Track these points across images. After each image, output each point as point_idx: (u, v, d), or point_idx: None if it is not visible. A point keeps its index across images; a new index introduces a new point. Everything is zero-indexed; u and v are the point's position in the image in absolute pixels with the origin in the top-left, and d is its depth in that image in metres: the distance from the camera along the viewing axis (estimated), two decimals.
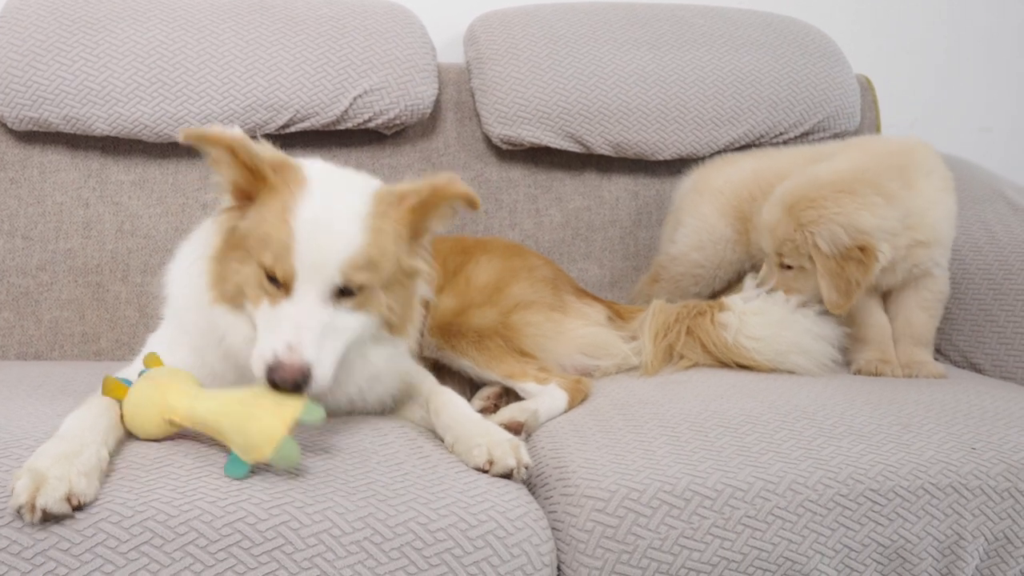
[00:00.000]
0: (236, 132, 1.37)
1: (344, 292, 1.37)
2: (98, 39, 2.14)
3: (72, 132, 2.16)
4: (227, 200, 1.43)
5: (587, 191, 2.46)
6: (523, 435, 1.63)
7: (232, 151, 1.36)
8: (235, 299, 1.42)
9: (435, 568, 1.24)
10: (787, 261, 1.96)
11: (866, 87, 2.66)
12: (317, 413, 1.31)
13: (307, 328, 1.32)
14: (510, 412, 1.67)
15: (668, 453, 1.46)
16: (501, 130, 2.34)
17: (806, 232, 1.89)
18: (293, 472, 1.30)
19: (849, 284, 1.85)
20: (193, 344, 1.50)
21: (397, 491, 1.30)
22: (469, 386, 1.93)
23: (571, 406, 1.75)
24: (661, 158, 2.42)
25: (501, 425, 1.60)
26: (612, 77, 2.37)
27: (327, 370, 1.34)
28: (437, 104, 2.38)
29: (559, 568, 1.36)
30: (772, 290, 1.99)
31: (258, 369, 1.32)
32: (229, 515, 1.21)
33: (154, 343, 1.56)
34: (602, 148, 2.39)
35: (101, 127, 2.14)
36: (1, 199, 2.18)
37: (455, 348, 1.85)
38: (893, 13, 2.99)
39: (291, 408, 1.29)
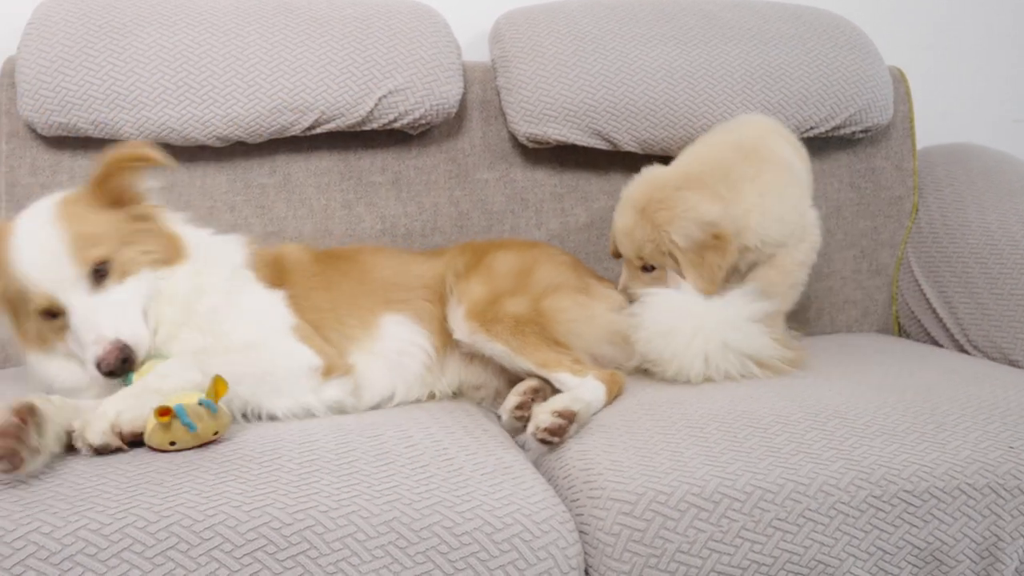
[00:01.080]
0: None
1: (99, 274, 1.53)
2: (125, 44, 2.15)
3: (101, 137, 2.17)
4: None
5: (613, 190, 2.43)
6: (575, 425, 1.60)
7: None
8: (41, 344, 1.58)
9: (461, 572, 1.24)
10: (649, 262, 1.99)
11: (899, 79, 2.61)
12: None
13: (95, 320, 1.50)
14: (563, 401, 1.62)
15: (696, 454, 1.44)
16: (527, 128, 2.33)
17: (662, 232, 1.93)
18: None
19: (712, 270, 1.91)
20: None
21: (422, 494, 1.30)
22: (499, 375, 1.92)
23: (608, 399, 1.73)
24: None
25: (554, 412, 1.58)
26: (639, 73, 2.34)
27: (137, 330, 1.53)
28: (463, 103, 2.37)
29: (586, 572, 1.35)
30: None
31: (96, 377, 1.50)
32: (254, 519, 1.21)
33: None
34: (629, 145, 2.37)
35: (129, 132, 2.15)
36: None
37: (490, 332, 1.83)
38: (925, 3, 2.94)
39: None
